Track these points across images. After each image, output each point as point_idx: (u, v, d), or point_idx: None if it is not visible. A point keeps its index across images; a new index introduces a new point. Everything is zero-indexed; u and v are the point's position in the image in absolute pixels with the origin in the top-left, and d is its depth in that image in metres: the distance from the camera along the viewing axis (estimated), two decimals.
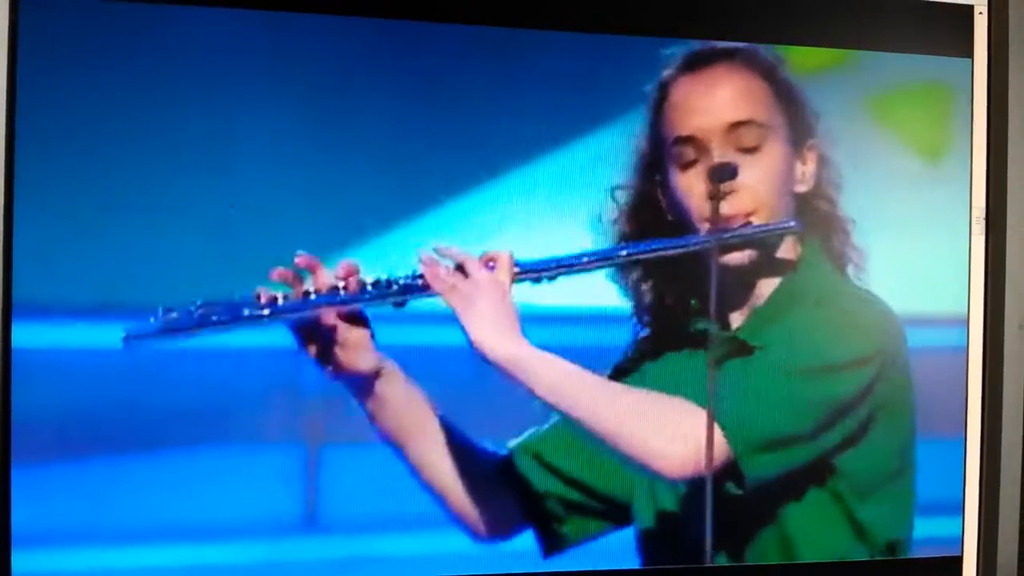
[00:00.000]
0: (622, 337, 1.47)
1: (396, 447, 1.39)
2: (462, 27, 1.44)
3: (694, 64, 1.47)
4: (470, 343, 1.35)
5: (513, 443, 1.45)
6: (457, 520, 1.42)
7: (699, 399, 1.43)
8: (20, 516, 1.32)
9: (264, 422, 1.38)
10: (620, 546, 1.48)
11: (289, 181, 1.39)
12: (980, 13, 1.58)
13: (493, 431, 1.44)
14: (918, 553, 1.56)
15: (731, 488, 1.42)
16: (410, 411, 1.39)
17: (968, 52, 1.59)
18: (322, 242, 1.37)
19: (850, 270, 1.51)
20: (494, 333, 1.35)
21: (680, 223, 1.45)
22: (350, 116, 1.41)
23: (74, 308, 1.33)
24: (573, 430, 1.39)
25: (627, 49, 1.48)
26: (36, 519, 1.33)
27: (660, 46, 1.48)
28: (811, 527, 1.48)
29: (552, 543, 1.47)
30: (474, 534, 1.43)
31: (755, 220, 1.44)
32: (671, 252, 1.43)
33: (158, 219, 1.35)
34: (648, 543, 1.49)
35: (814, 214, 1.49)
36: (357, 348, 1.36)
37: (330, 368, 1.36)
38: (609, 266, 1.44)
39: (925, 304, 1.57)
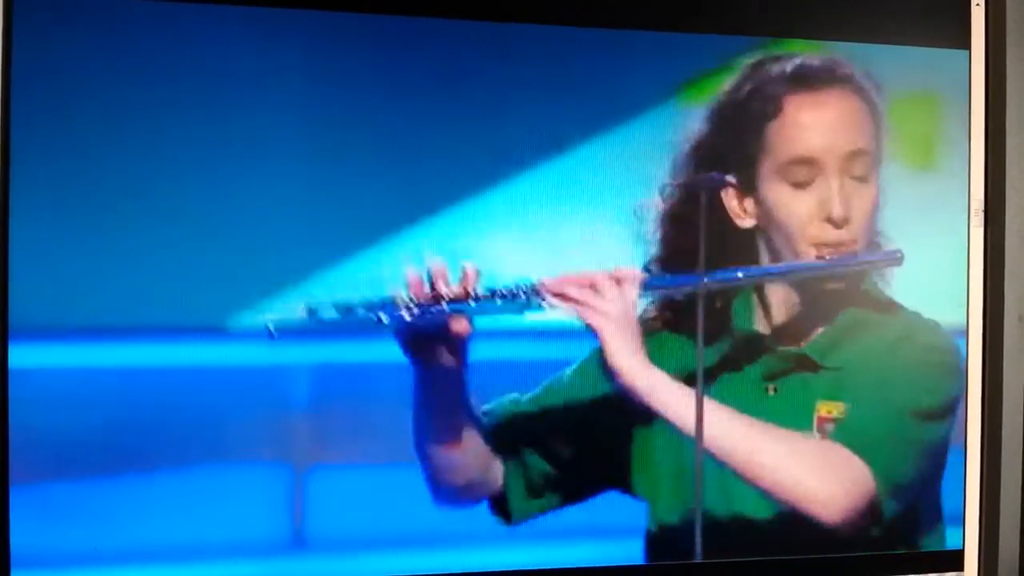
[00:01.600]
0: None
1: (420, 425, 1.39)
2: (479, 23, 1.43)
3: (810, 83, 1.46)
4: (610, 365, 1.39)
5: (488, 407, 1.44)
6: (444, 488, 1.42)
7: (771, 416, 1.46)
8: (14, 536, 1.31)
9: (251, 441, 1.37)
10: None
11: (293, 183, 1.38)
12: (977, 5, 1.57)
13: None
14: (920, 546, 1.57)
15: (873, 531, 1.47)
16: (456, 406, 1.40)
17: (965, 44, 1.58)
18: (326, 245, 1.37)
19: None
20: (632, 358, 1.39)
21: (761, 231, 1.46)
22: (354, 115, 1.39)
23: (71, 328, 1.32)
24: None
25: (631, 44, 1.47)
26: (28, 539, 1.32)
27: (658, 41, 1.47)
28: None
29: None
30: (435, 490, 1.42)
31: (856, 250, 1.47)
32: (783, 277, 1.46)
33: (156, 231, 1.33)
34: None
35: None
36: (455, 349, 1.38)
37: (424, 361, 1.37)
38: (727, 287, 1.46)
39: (925, 298, 1.56)
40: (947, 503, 1.55)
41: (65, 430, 1.32)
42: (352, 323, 1.33)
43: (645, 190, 1.47)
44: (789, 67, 1.46)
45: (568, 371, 1.45)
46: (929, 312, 1.54)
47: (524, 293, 1.38)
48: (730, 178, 1.45)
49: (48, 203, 1.31)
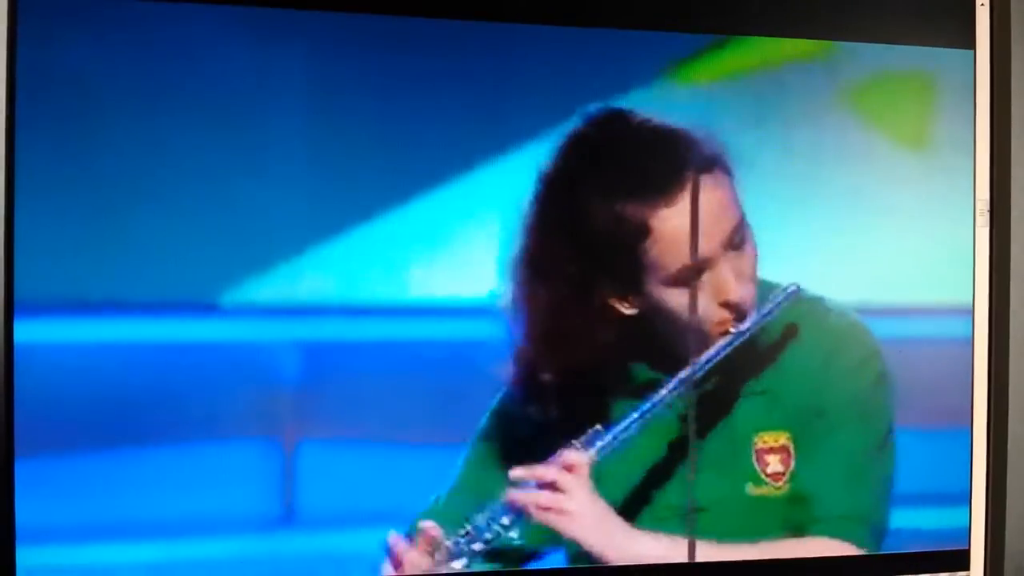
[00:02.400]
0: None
1: None
2: (453, 22, 1.44)
3: (669, 192, 1.43)
4: (603, 557, 1.43)
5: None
6: None
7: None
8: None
9: (243, 417, 1.38)
10: None
11: (288, 166, 1.39)
12: (982, 5, 1.58)
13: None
14: (925, 545, 1.56)
15: None
16: None
17: (970, 44, 1.58)
18: (320, 233, 1.38)
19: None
20: (609, 538, 1.43)
21: (646, 317, 1.44)
22: (348, 104, 1.41)
23: (63, 304, 1.33)
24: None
25: (618, 41, 1.48)
26: (30, 514, 1.33)
27: (654, 39, 1.48)
28: None
29: None
30: None
31: (753, 308, 1.47)
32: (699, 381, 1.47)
33: (157, 214, 1.35)
34: None
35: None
36: None
37: None
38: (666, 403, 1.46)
39: (930, 295, 1.57)
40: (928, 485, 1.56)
41: (57, 405, 1.33)
42: None
43: None
44: (634, 181, 1.42)
45: None
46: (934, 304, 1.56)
47: (503, 526, 1.40)
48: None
49: (50, 185, 1.32)
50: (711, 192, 1.45)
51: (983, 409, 1.58)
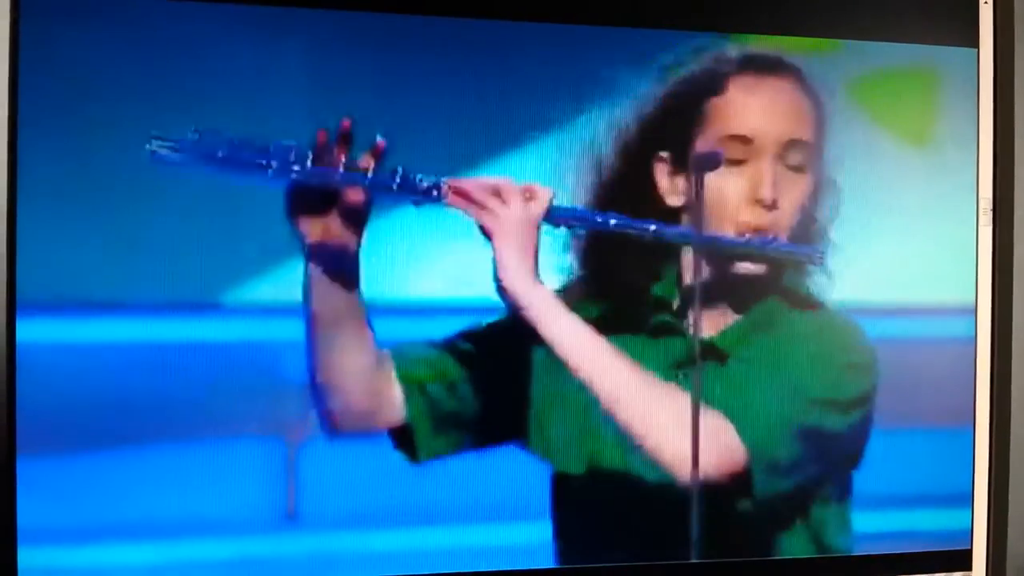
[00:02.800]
0: None
1: (310, 328, 1.36)
2: (456, 20, 1.44)
3: (757, 68, 1.47)
4: (497, 273, 1.37)
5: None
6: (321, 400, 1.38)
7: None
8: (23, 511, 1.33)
9: (245, 417, 1.37)
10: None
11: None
12: (985, 3, 1.58)
13: None
14: (927, 546, 1.56)
15: (742, 503, 1.45)
16: (347, 298, 1.37)
17: (973, 43, 1.58)
18: None
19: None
20: (518, 269, 1.37)
21: (689, 211, 1.44)
22: (340, 111, 1.39)
23: (64, 304, 1.33)
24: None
25: (615, 41, 1.48)
26: (32, 515, 1.33)
27: (654, 38, 1.47)
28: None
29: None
30: (330, 421, 1.38)
31: (780, 237, 1.46)
32: (695, 243, 1.44)
33: (159, 213, 1.35)
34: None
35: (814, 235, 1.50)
36: (349, 224, 1.35)
37: (310, 231, 1.34)
38: (631, 233, 1.42)
39: (932, 294, 1.57)
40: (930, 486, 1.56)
41: (58, 406, 1.33)
42: (239, 162, 1.32)
43: None
44: (740, 52, 1.46)
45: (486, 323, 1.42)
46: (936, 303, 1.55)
47: (427, 184, 1.36)
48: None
49: (53, 185, 1.32)
50: (791, 96, 1.47)
51: (985, 408, 1.58)
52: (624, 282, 1.46)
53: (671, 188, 1.45)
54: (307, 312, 1.36)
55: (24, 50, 1.32)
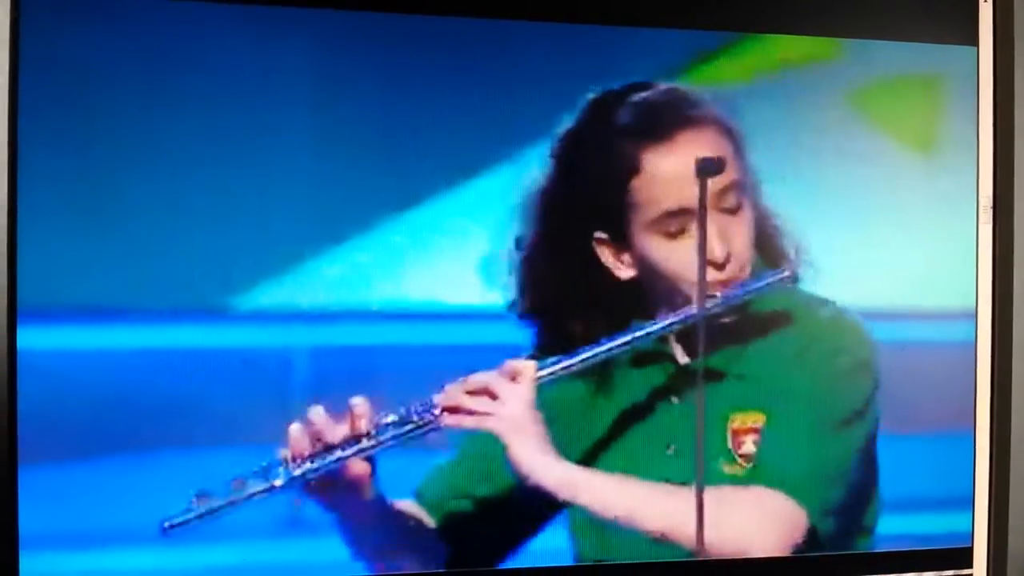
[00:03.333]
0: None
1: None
2: (459, 19, 1.44)
3: (656, 132, 1.43)
4: (520, 473, 1.38)
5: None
6: None
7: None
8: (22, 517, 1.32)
9: (252, 423, 1.37)
10: None
11: (294, 172, 1.39)
12: (985, 1, 1.58)
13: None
14: (929, 547, 1.56)
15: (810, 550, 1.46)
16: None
17: (973, 41, 1.58)
18: (318, 236, 1.38)
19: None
20: (538, 456, 1.38)
21: (644, 281, 1.44)
22: (354, 105, 1.40)
23: (73, 311, 1.33)
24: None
25: (623, 38, 1.48)
26: (33, 521, 1.33)
27: (657, 37, 1.47)
28: None
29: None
30: None
31: (743, 278, 1.45)
32: (678, 325, 1.44)
33: (162, 218, 1.35)
34: None
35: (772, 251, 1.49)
36: (368, 485, 1.37)
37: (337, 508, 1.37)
38: (625, 349, 1.43)
39: (933, 299, 1.57)
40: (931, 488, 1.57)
41: (65, 412, 1.32)
42: (247, 499, 1.34)
43: None
44: (635, 115, 1.43)
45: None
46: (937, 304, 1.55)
47: (418, 416, 1.36)
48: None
49: (54, 190, 1.32)
50: (696, 143, 1.43)
51: (986, 407, 1.58)
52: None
53: (618, 264, 1.45)
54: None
55: (24, 50, 1.31)
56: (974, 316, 1.57)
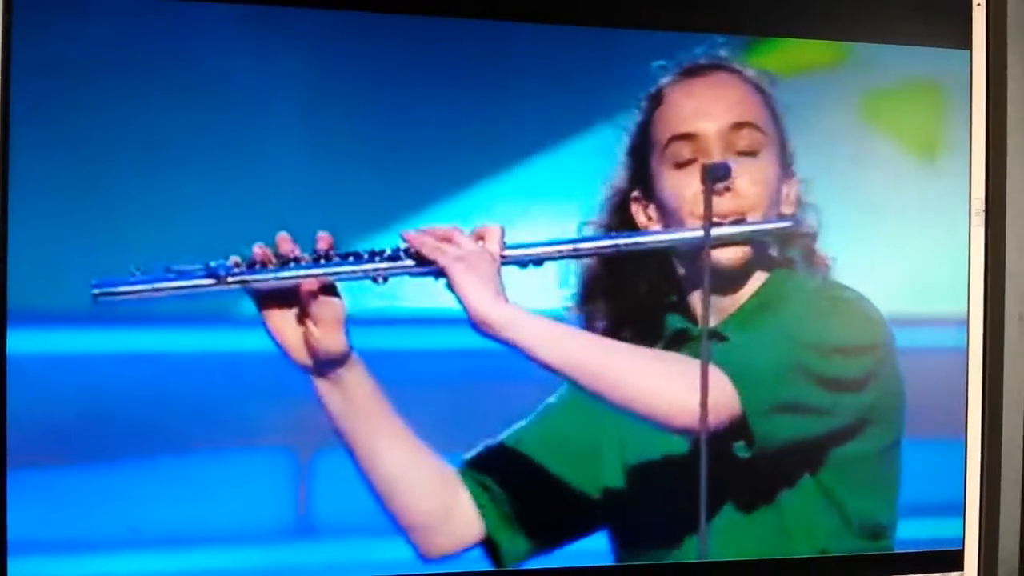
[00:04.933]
0: None
1: (346, 445, 1.35)
2: (456, 21, 1.43)
3: (691, 71, 1.47)
4: (465, 308, 1.33)
5: (469, 455, 1.42)
6: (403, 531, 1.39)
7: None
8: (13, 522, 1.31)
9: (256, 426, 1.36)
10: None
11: (290, 175, 1.38)
12: (978, 5, 1.58)
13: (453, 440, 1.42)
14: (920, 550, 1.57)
15: (740, 448, 1.42)
16: (370, 406, 1.35)
17: (967, 44, 1.58)
18: (314, 238, 1.35)
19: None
20: (490, 296, 1.34)
21: (667, 223, 1.45)
22: (350, 107, 1.39)
23: (74, 315, 1.31)
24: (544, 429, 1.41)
25: (621, 43, 1.47)
26: (27, 526, 1.31)
27: (653, 41, 1.47)
28: (802, 515, 1.49)
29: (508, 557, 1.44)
30: (419, 550, 1.40)
31: (751, 218, 1.44)
32: (663, 245, 1.44)
33: (151, 221, 1.33)
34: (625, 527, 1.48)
35: (795, 244, 1.49)
36: (330, 326, 1.32)
37: (296, 349, 1.32)
38: (596, 255, 1.42)
39: (924, 300, 1.57)
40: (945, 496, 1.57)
41: (68, 416, 1.31)
42: (188, 287, 1.30)
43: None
44: (674, 66, 1.46)
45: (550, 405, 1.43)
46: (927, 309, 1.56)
47: (380, 254, 1.34)
48: (733, 165, 1.44)
49: (44, 192, 1.31)
50: (729, 88, 1.47)
51: (977, 411, 1.58)
52: (629, 298, 1.46)
53: (647, 220, 1.46)
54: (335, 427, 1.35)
55: (16, 50, 1.29)
56: (965, 314, 1.57)
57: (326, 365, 1.33)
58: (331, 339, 1.33)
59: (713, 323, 1.45)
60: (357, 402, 1.35)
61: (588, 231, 1.45)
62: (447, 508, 1.40)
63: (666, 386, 1.40)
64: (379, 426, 1.36)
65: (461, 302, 1.34)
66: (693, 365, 1.40)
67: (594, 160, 1.46)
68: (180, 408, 1.34)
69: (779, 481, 1.47)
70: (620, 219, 1.46)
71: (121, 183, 1.33)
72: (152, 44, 1.33)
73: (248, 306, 1.33)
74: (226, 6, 1.35)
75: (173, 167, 1.34)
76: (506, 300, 1.35)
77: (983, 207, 1.58)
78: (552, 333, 1.38)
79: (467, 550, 1.42)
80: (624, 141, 1.46)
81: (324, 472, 1.38)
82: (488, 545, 1.42)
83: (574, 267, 1.45)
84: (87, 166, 1.32)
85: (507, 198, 1.43)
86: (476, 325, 1.34)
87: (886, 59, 1.55)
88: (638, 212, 1.46)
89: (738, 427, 1.40)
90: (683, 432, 1.41)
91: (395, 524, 1.38)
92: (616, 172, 1.46)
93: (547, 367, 1.36)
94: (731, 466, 1.42)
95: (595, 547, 1.47)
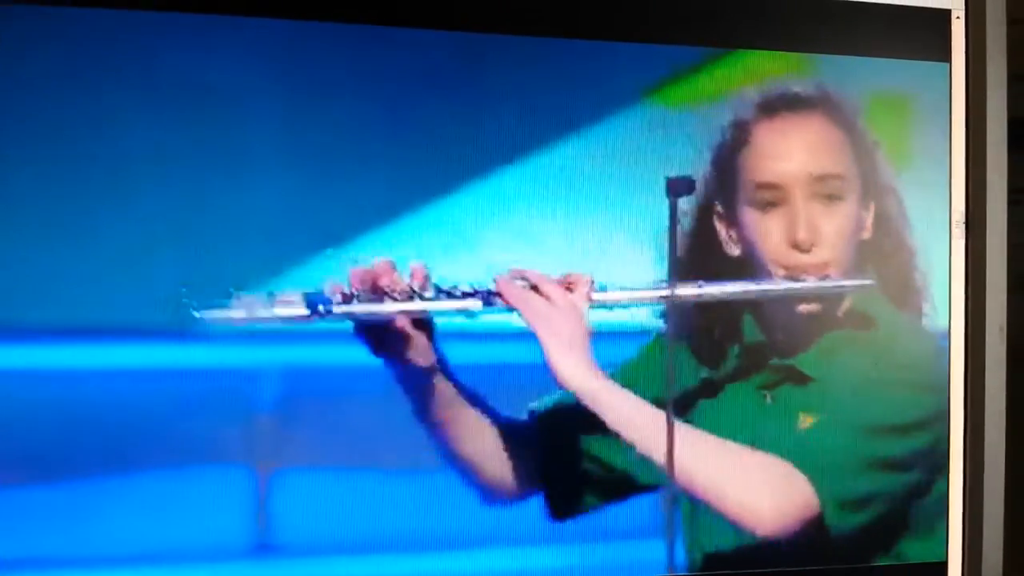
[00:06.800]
0: None
1: (437, 432, 1.39)
2: (432, 32, 1.43)
3: (776, 108, 1.48)
4: (546, 364, 1.37)
5: (534, 406, 1.44)
6: (483, 488, 1.42)
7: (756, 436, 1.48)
8: None
9: (215, 444, 1.35)
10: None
11: (263, 183, 1.37)
12: (957, 18, 1.59)
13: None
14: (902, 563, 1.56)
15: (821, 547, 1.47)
16: (453, 404, 1.39)
17: (946, 57, 1.59)
18: (296, 246, 1.36)
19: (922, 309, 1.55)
20: (572, 360, 1.37)
21: (746, 259, 1.47)
22: (327, 119, 1.39)
23: (29, 329, 1.30)
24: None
25: (597, 53, 1.47)
26: None
27: (631, 51, 1.47)
28: None
29: (566, 507, 1.46)
30: (497, 499, 1.43)
31: (831, 272, 1.47)
32: (747, 295, 1.46)
33: (121, 231, 1.33)
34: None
35: (877, 257, 1.52)
36: (420, 348, 1.36)
37: (393, 360, 1.36)
38: (682, 301, 1.45)
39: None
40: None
41: (21, 434, 1.30)
42: (290, 317, 1.33)
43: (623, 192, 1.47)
44: (761, 95, 1.48)
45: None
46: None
47: (471, 293, 1.37)
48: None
49: (15, 205, 1.30)
50: (814, 131, 1.48)
51: (959, 421, 1.58)
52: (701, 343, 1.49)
53: (729, 239, 1.48)
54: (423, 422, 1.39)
55: None
56: (947, 333, 1.57)
57: (414, 374, 1.37)
58: (422, 358, 1.37)
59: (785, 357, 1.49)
60: (439, 401, 1.38)
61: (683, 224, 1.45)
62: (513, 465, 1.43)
63: (755, 497, 1.44)
64: (457, 416, 1.39)
65: (546, 361, 1.38)
66: (777, 466, 1.45)
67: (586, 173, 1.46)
68: (135, 425, 1.32)
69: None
70: (700, 229, 1.47)
71: (95, 195, 1.32)
72: (126, 57, 1.33)
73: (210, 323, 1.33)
74: (201, 16, 1.35)
75: (148, 179, 1.33)
76: (592, 367, 1.39)
77: (964, 219, 1.58)
78: (636, 417, 1.41)
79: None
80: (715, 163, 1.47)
81: (284, 490, 1.37)
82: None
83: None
84: (60, 176, 1.31)
85: (478, 211, 1.43)
86: (559, 386, 1.39)
87: (862, 71, 1.55)
88: (720, 228, 1.48)
89: (815, 527, 1.45)
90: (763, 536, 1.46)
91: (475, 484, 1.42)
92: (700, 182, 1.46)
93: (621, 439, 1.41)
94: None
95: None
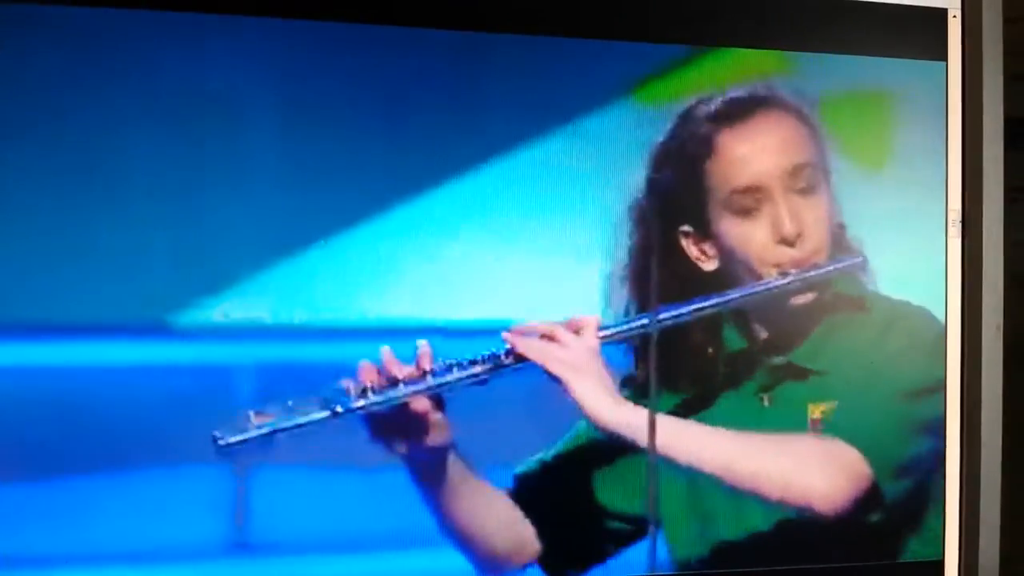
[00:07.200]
0: None
1: (439, 509, 1.40)
2: (423, 31, 1.42)
3: (732, 117, 1.47)
4: (584, 413, 1.40)
5: (520, 470, 1.44)
6: (484, 564, 1.42)
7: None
8: None
9: (194, 443, 1.34)
10: None
11: (247, 180, 1.37)
12: (954, 17, 1.58)
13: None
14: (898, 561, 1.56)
15: (874, 517, 1.49)
16: (465, 484, 1.40)
17: (942, 56, 1.58)
18: (280, 243, 1.36)
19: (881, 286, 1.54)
20: (608, 400, 1.40)
21: (725, 271, 1.47)
22: (316, 119, 1.39)
23: (5, 325, 1.30)
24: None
25: (576, 50, 1.47)
26: None
27: (614, 50, 1.47)
28: None
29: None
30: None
31: (819, 261, 1.48)
32: (747, 299, 1.47)
33: (102, 227, 1.32)
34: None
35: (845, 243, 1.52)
36: (438, 427, 1.38)
37: (404, 448, 1.37)
38: (684, 320, 1.45)
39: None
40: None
41: (10, 431, 1.29)
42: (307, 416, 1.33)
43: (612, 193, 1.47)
44: (715, 106, 1.47)
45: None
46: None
47: (483, 359, 1.38)
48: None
49: (8, 202, 1.30)
50: (775, 128, 1.48)
51: (956, 420, 1.58)
52: (695, 356, 1.49)
53: (701, 256, 1.48)
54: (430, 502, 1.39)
55: None
56: (943, 332, 1.57)
57: (427, 456, 1.38)
58: (439, 437, 1.38)
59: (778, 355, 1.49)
60: (452, 483, 1.40)
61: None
62: (516, 535, 1.44)
63: (811, 478, 1.46)
64: (463, 493, 1.40)
65: (581, 406, 1.40)
66: (820, 445, 1.47)
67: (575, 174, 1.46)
68: (116, 422, 1.32)
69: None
70: (667, 257, 1.46)
71: (78, 193, 1.31)
72: (117, 56, 1.32)
73: (188, 317, 1.33)
74: (194, 16, 1.34)
75: (133, 178, 1.33)
76: (619, 399, 1.41)
77: (960, 217, 1.58)
78: (684, 433, 1.44)
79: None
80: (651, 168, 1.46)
81: (263, 489, 1.37)
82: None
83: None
84: (44, 175, 1.30)
85: (469, 210, 1.43)
86: (599, 427, 1.41)
87: (852, 68, 1.55)
88: (689, 246, 1.48)
89: (870, 496, 1.47)
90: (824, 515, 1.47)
91: (467, 554, 1.42)
92: (648, 202, 1.46)
93: (674, 464, 1.42)
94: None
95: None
